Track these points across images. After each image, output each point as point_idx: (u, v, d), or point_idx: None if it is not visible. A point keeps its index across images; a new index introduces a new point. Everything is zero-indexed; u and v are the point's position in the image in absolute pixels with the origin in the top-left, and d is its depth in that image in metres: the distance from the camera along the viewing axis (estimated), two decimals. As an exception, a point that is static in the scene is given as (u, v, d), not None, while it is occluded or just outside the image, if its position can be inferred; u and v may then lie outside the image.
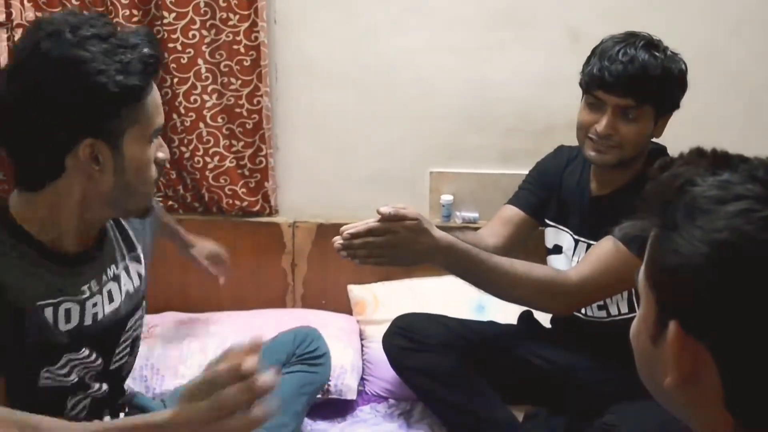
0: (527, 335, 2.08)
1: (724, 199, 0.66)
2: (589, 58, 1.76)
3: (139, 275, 1.46)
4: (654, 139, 1.78)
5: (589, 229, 1.85)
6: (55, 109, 1.13)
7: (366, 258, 1.54)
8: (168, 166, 2.54)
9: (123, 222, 1.44)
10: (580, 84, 1.77)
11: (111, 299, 1.37)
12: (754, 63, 2.39)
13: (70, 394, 1.34)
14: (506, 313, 2.22)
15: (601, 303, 1.87)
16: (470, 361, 1.97)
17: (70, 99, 1.13)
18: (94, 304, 1.33)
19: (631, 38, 1.69)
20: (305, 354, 1.91)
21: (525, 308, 2.16)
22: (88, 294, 1.32)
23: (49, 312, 1.26)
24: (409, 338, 2.00)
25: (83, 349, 1.32)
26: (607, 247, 1.66)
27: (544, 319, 2.12)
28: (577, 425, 1.89)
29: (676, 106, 1.75)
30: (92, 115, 1.15)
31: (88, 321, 1.32)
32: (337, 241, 1.54)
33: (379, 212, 1.51)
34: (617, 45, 1.68)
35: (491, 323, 2.17)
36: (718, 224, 0.65)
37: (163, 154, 1.30)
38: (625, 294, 1.82)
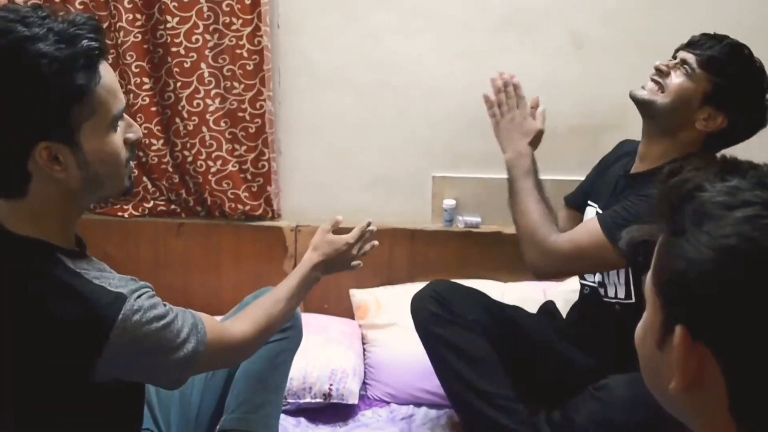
0: (548, 325, 2.07)
1: (732, 205, 0.66)
2: None
3: None
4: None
5: (614, 205, 1.82)
6: (0, 119, 1.10)
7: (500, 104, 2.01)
8: (170, 169, 2.55)
9: None
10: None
11: None
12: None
13: None
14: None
15: (600, 280, 1.91)
16: (495, 345, 1.93)
17: (13, 106, 1.10)
18: None
19: (744, 48, 1.75)
20: None
21: (546, 299, 2.20)
22: None
23: None
24: (442, 305, 1.94)
25: None
26: (591, 224, 1.78)
27: (563, 308, 2.14)
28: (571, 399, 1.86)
29: (735, 114, 1.74)
30: (40, 121, 1.11)
31: None
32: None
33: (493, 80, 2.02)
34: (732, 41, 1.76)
35: (518, 308, 2.11)
36: (726, 230, 0.65)
37: (133, 134, 1.26)
38: (622, 280, 1.84)
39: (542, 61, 2.45)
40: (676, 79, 1.75)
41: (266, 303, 1.54)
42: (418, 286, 2.49)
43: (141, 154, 2.53)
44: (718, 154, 0.75)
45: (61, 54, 1.09)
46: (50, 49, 1.08)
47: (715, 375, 0.67)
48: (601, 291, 1.91)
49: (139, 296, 1.18)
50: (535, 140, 1.95)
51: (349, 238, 1.71)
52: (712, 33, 1.77)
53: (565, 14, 2.41)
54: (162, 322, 1.20)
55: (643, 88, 1.80)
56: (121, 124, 1.22)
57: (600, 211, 1.91)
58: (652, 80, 1.79)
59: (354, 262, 1.75)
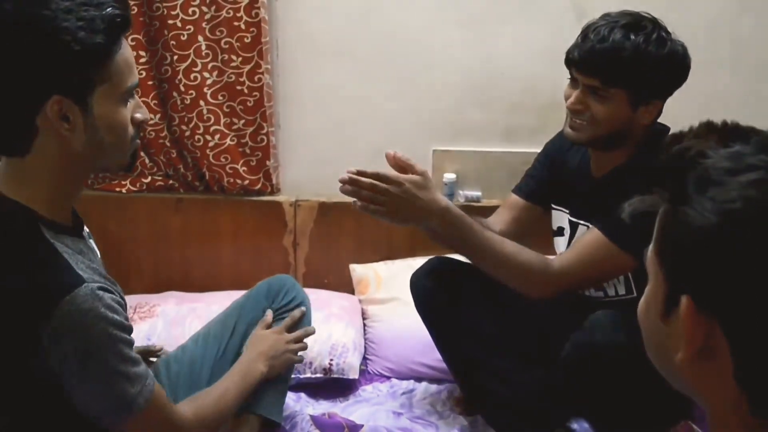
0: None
1: (736, 170, 0.65)
2: None
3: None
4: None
5: (588, 212, 1.81)
6: (18, 68, 1.12)
7: (367, 202, 1.59)
8: (168, 144, 2.53)
9: None
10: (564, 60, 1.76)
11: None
12: (760, 38, 2.35)
13: None
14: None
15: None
16: (498, 320, 1.93)
17: (32, 58, 1.11)
18: None
19: (618, 17, 1.64)
20: (282, 308, 1.83)
21: None
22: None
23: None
24: (441, 282, 1.93)
25: None
26: (593, 238, 1.68)
27: None
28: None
29: (664, 91, 1.68)
30: (56, 74, 1.13)
31: None
32: (345, 176, 1.58)
33: (387, 155, 1.60)
34: (600, 22, 1.65)
35: None
36: (731, 195, 0.64)
37: (141, 115, 1.28)
38: (622, 277, 1.80)
39: (543, 31, 2.42)
40: (597, 107, 1.67)
41: (214, 393, 1.55)
42: (418, 260, 2.48)
43: (138, 128, 2.52)
44: (719, 121, 0.73)
45: (87, 13, 1.12)
46: (76, 7, 1.11)
47: (720, 343, 0.67)
48: (600, 293, 1.86)
49: (103, 291, 1.15)
50: (425, 187, 1.62)
51: (278, 330, 1.77)
52: (581, 33, 1.68)
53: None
54: (118, 334, 1.16)
55: (573, 129, 1.73)
56: (131, 101, 1.24)
57: (572, 218, 1.88)
58: (576, 121, 1.72)
59: (297, 355, 1.80)
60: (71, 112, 1.15)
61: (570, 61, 1.71)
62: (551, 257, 1.79)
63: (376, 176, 1.57)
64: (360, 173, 1.57)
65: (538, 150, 2.04)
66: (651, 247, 0.75)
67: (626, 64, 1.61)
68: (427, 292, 1.96)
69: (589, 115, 1.69)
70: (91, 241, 1.37)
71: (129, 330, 1.21)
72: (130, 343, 1.21)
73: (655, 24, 1.65)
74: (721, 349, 0.67)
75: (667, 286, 0.71)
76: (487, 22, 2.43)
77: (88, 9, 1.12)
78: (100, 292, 1.14)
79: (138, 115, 1.27)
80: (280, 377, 1.79)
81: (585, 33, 1.67)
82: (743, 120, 0.77)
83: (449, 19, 2.44)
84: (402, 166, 1.62)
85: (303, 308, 1.81)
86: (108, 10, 1.14)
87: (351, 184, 1.57)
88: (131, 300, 2.22)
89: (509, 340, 1.93)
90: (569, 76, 1.75)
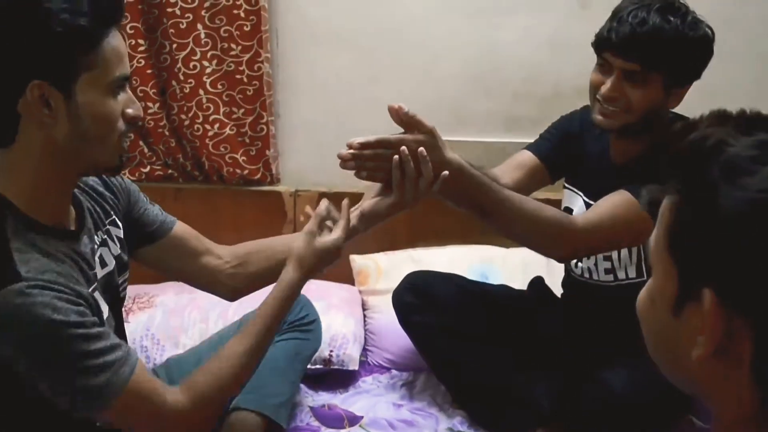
0: (537, 301, 2.07)
1: (764, 158, 0.64)
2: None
3: (119, 238, 1.43)
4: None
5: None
6: None
7: (374, 171, 1.41)
8: (167, 133, 2.51)
9: (92, 192, 1.39)
10: (592, 44, 1.70)
11: (104, 264, 1.35)
12: (762, 28, 2.34)
13: None
14: (510, 282, 2.21)
15: (609, 267, 1.85)
16: (480, 322, 1.97)
17: (11, 39, 1.08)
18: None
19: (649, 0, 1.62)
20: (296, 321, 1.89)
21: (535, 275, 2.16)
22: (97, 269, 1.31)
23: (97, 294, 1.26)
24: (419, 295, 1.99)
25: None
26: (619, 198, 1.62)
27: (555, 286, 2.11)
28: (573, 384, 1.89)
29: (696, 76, 1.66)
30: (36, 56, 1.10)
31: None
32: (346, 151, 1.38)
33: (391, 108, 1.38)
34: (631, 6, 1.61)
35: (503, 286, 2.15)
36: (765, 184, 0.63)
37: (133, 110, 1.22)
38: (634, 258, 1.80)
39: (548, 21, 2.41)
40: (633, 93, 1.63)
41: (211, 364, 1.33)
42: (419, 251, 2.49)
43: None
44: (734, 110, 0.71)
45: None
46: None
47: (742, 339, 0.65)
48: (610, 277, 1.86)
49: (41, 289, 1.10)
50: (434, 147, 1.44)
51: (337, 235, 1.42)
52: (612, 17, 1.64)
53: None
54: (63, 331, 1.11)
55: (604, 116, 1.67)
56: (122, 95, 1.20)
57: (587, 200, 1.86)
58: (609, 108, 1.66)
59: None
60: (53, 97, 1.12)
61: (605, 45, 1.64)
62: (574, 215, 1.75)
63: (378, 143, 1.39)
64: (362, 146, 1.38)
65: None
66: (656, 240, 0.73)
67: (667, 46, 1.59)
68: (405, 306, 2.02)
69: (624, 102, 1.64)
70: (102, 248, 1.34)
71: (82, 324, 1.13)
72: (87, 336, 1.14)
73: (685, 6, 1.63)
74: (737, 345, 0.66)
75: (681, 279, 0.70)
76: (490, 11, 2.42)
77: None
78: (33, 290, 1.09)
79: (130, 111, 1.21)
80: (294, 384, 1.85)
81: (618, 16, 1.62)
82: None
83: (451, 8, 2.43)
84: (408, 122, 1.41)
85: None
86: None
87: (354, 160, 1.39)
88: (130, 290, 2.21)
89: (491, 343, 1.98)
90: (599, 62, 1.69)
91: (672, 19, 1.59)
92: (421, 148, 1.37)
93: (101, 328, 1.18)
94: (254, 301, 1.91)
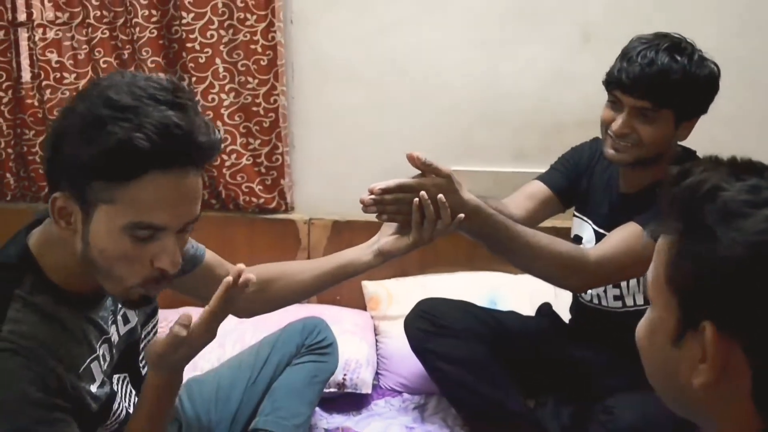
0: (546, 327, 2.11)
1: (757, 203, 0.68)
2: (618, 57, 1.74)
3: None
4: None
5: (615, 225, 1.80)
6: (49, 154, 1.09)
7: (395, 214, 1.49)
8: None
9: None
10: (603, 82, 1.76)
11: (126, 321, 1.35)
12: (762, 61, 2.39)
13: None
14: (519, 308, 2.25)
15: (618, 294, 1.89)
16: (490, 349, 1.99)
17: (56, 150, 1.07)
18: (112, 333, 1.30)
19: (656, 40, 1.67)
20: (314, 344, 1.93)
21: (543, 301, 2.20)
22: (109, 327, 1.29)
23: (95, 364, 1.23)
24: (431, 321, 2.01)
25: (114, 376, 1.32)
26: (629, 229, 1.67)
27: (562, 311, 2.15)
28: (583, 412, 1.92)
29: (703, 110, 1.73)
30: (64, 169, 1.07)
31: (114, 351, 1.31)
32: (367, 197, 1.47)
33: (410, 156, 1.46)
34: (640, 46, 1.67)
35: (512, 313, 2.19)
36: (760, 226, 0.67)
37: (160, 263, 1.11)
38: (643, 287, 1.83)
39: (551, 54, 2.47)
40: (644, 129, 1.69)
41: None
42: (429, 277, 2.53)
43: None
44: (725, 157, 0.77)
45: (120, 126, 1.01)
46: (119, 112, 1.02)
47: (740, 365, 0.69)
48: (618, 304, 1.91)
49: (16, 355, 1.07)
50: (451, 190, 1.50)
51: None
52: (622, 56, 1.69)
53: (574, 6, 2.43)
54: (24, 401, 1.06)
55: (617, 151, 1.73)
56: (156, 242, 1.10)
57: (597, 228, 1.91)
58: (621, 143, 1.71)
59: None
60: (75, 214, 1.09)
61: (616, 84, 1.69)
62: (586, 248, 1.79)
63: (399, 188, 1.47)
64: (384, 191, 1.46)
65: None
66: (654, 274, 0.77)
67: (676, 85, 1.64)
68: (418, 333, 2.03)
69: (635, 137, 1.70)
70: (114, 326, 1.31)
71: (40, 403, 1.08)
72: (40, 419, 1.08)
73: (692, 45, 1.69)
74: (737, 371, 0.69)
75: (680, 312, 0.73)
76: (495, 45, 2.48)
77: (122, 121, 1.01)
78: (3, 352, 1.06)
79: (157, 263, 1.11)
80: (312, 404, 1.88)
81: (627, 56, 1.68)
82: (750, 142, 0.81)
83: (458, 43, 2.49)
84: (425, 169, 1.49)
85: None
86: (139, 134, 1.01)
87: (375, 204, 1.47)
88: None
89: (506, 367, 2.00)
90: (610, 99, 1.74)
91: (679, 58, 1.64)
92: (440, 195, 1.45)
93: (61, 415, 1.11)
94: (271, 323, 1.98)
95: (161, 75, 1.13)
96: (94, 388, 1.22)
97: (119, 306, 1.31)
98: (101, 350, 1.25)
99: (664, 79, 1.64)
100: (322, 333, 1.97)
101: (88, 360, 1.21)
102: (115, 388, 1.31)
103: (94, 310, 1.23)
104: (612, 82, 1.71)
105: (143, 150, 1.01)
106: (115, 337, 1.31)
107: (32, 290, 1.13)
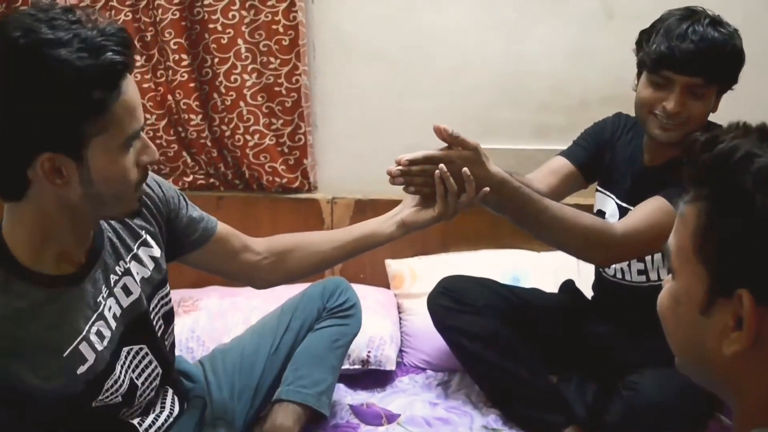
0: (569, 304, 2.12)
1: None
2: (650, 35, 1.71)
3: (153, 258, 1.43)
4: None
5: (638, 198, 1.80)
6: (4, 124, 1.06)
7: (422, 186, 1.51)
8: (209, 144, 2.60)
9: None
10: (642, 62, 1.73)
11: (129, 293, 1.36)
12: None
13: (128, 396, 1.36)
14: (541, 285, 2.26)
15: (642, 268, 1.90)
16: (513, 325, 2.01)
17: (19, 112, 1.04)
18: (110, 308, 1.31)
19: (694, 15, 1.66)
20: (335, 308, 1.91)
21: (566, 279, 2.21)
22: (104, 303, 1.30)
23: (84, 345, 1.25)
24: (453, 299, 2.03)
25: (122, 350, 1.34)
26: (655, 204, 1.67)
27: (585, 288, 2.16)
28: (606, 390, 1.93)
29: (736, 81, 1.73)
30: (45, 132, 1.06)
31: (113, 325, 1.32)
32: (394, 168, 1.49)
33: (437, 129, 1.47)
34: (683, 22, 1.65)
35: (535, 290, 2.20)
36: None
37: (147, 157, 1.19)
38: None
39: (573, 31, 2.46)
40: (695, 106, 1.69)
41: None
42: (452, 255, 2.54)
43: (180, 129, 2.59)
44: (753, 123, 0.76)
45: (82, 63, 1.03)
46: (72, 57, 1.03)
47: None
48: (642, 278, 1.91)
49: None
50: (478, 162, 1.52)
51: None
52: (663, 33, 1.67)
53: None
54: None
55: (665, 130, 1.72)
56: (136, 144, 1.17)
57: (620, 203, 1.91)
58: (670, 122, 1.70)
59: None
60: (65, 166, 1.09)
61: (669, 63, 1.66)
62: (611, 222, 1.78)
63: (426, 160, 1.48)
64: (411, 162, 1.48)
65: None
66: (679, 244, 0.77)
67: (726, 59, 1.65)
68: (441, 310, 2.06)
69: (685, 115, 1.69)
70: (125, 278, 1.34)
71: None
72: None
73: (721, 17, 1.69)
74: None
75: (711, 281, 0.72)
76: (518, 22, 2.47)
77: (85, 57, 1.03)
78: None
79: (144, 158, 1.19)
80: (335, 369, 1.87)
81: (673, 33, 1.65)
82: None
83: (480, 21, 2.48)
84: (452, 141, 1.50)
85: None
86: (108, 55, 1.05)
87: (402, 176, 1.49)
88: (175, 295, 2.29)
89: (529, 343, 2.01)
90: (653, 79, 1.71)
91: (724, 31, 1.65)
92: (465, 168, 1.46)
93: None
94: (292, 293, 1.99)
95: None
96: (84, 368, 1.24)
97: (117, 278, 1.33)
98: (94, 328, 1.26)
99: (716, 54, 1.63)
100: (344, 294, 1.95)
101: (75, 342, 1.23)
102: (119, 364, 1.32)
103: (76, 289, 1.24)
104: (660, 61, 1.67)
105: (117, 61, 1.06)
106: (115, 310, 1.32)
107: (7, 279, 1.15)
